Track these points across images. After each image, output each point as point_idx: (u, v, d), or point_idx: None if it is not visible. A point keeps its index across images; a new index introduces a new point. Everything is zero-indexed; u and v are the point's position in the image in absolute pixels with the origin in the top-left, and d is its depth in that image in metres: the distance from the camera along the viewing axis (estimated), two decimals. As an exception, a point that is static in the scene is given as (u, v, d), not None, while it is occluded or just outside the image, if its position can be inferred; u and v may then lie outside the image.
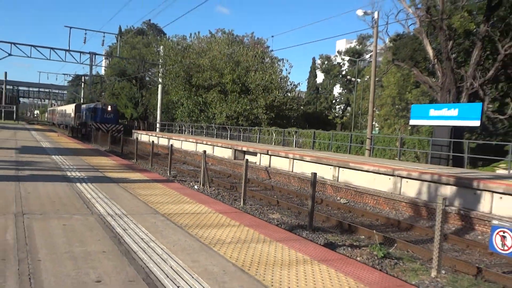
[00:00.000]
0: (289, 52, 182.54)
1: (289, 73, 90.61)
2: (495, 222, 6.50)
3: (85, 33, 43.69)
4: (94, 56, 46.08)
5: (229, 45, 46.23)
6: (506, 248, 6.26)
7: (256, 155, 23.70)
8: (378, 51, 27.16)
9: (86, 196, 7.98)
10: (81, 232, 5.45)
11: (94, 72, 62.25)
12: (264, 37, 60.25)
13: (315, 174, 10.69)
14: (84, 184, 9.37)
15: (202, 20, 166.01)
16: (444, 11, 22.42)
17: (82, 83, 77.47)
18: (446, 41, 22.38)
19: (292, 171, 20.09)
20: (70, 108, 58.67)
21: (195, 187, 15.84)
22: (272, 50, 49.56)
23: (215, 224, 6.41)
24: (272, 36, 56.49)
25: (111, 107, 43.81)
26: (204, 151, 17.12)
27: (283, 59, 48.50)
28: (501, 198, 11.55)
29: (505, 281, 7.60)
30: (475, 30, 23.64)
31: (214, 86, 43.65)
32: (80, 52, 45.01)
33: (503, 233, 6.33)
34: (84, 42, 45.90)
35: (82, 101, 64.77)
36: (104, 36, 46.20)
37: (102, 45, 54.24)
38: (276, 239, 5.72)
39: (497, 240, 6.37)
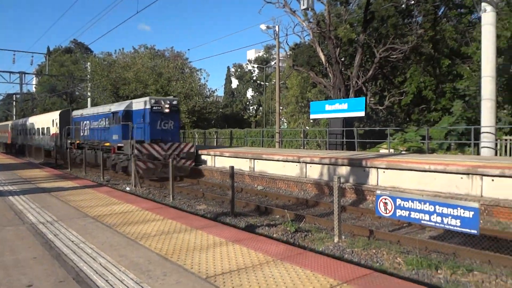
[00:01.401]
0: (206, 62, 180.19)
1: (207, 81, 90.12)
2: (378, 192, 6.92)
3: (14, 54, 40.57)
4: (23, 75, 42.78)
5: (151, 59, 44.94)
6: (387, 211, 6.71)
7: (182, 155, 23.24)
8: (281, 58, 27.86)
9: (18, 207, 7.34)
10: (12, 242, 5.02)
11: (25, 90, 57.40)
12: (183, 50, 59.55)
13: (232, 167, 10.74)
14: (16, 196, 8.61)
15: (126, 37, 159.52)
16: (331, 24, 23.59)
17: (14, 101, 71.12)
18: (335, 48, 23.52)
19: (214, 166, 19.99)
20: (47, 120, 29.91)
21: (127, 188, 15.20)
22: (190, 62, 49.10)
23: (142, 220, 6.21)
24: (189, 49, 56.16)
25: (169, 105, 18.56)
26: (133, 154, 16.50)
27: (201, 69, 48.36)
28: (384, 172, 12.38)
29: (391, 238, 8.23)
30: (356, 39, 25.08)
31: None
32: (10, 72, 41.66)
33: (385, 200, 6.76)
34: (13, 62, 42.53)
35: (14, 118, 58.55)
36: (32, 56, 43.27)
37: (31, 64, 50.39)
38: (196, 227, 5.66)
39: (381, 206, 6.79)
